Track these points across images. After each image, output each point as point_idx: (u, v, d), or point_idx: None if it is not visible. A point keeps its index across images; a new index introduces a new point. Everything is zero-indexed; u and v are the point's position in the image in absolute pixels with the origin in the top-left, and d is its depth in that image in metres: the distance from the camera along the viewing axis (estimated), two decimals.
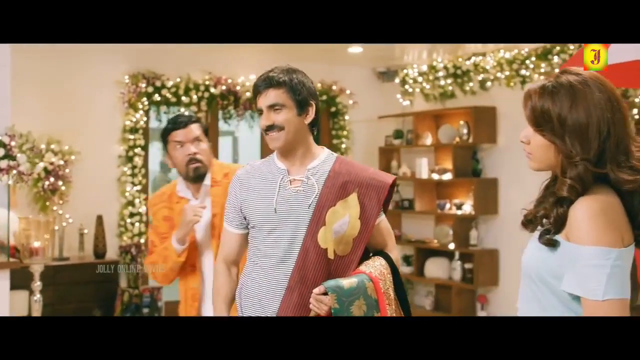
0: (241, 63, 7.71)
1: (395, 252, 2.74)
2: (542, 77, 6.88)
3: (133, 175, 7.06)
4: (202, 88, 7.36)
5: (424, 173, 7.81)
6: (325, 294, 2.45)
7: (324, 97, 8.11)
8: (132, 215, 7.06)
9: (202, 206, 3.20)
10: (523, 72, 7.07)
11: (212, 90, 7.39)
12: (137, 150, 7.08)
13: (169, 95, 7.20)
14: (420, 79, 8.11)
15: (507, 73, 7.20)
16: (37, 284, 5.21)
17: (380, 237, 2.72)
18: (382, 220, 2.71)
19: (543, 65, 6.91)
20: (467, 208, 7.43)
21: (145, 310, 6.70)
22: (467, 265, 7.35)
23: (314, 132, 2.70)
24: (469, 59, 7.58)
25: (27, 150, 6.32)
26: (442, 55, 7.80)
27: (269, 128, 2.59)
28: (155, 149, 7.80)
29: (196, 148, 3.21)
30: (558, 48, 6.78)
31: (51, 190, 6.59)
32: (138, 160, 7.09)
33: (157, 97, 7.18)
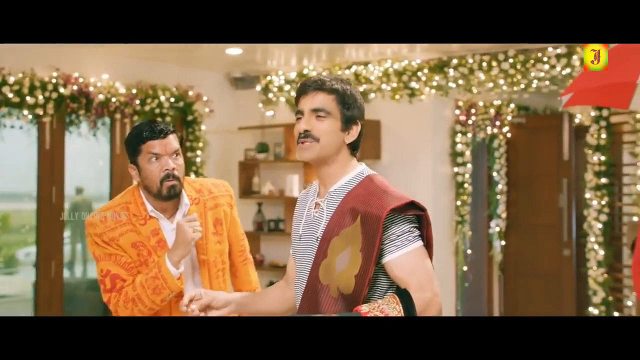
0: (92, 60, 6.49)
1: (425, 294, 2.15)
2: (433, 91, 6.50)
3: None
4: (49, 87, 6.05)
5: (295, 191, 7.09)
6: None
7: (181, 104, 7.09)
8: None
9: (194, 218, 2.81)
10: (413, 84, 6.62)
11: (61, 90, 6.11)
12: None
13: (10, 95, 5.81)
14: (287, 87, 7.37)
15: (395, 85, 6.71)
16: None
17: (399, 274, 2.19)
18: (406, 252, 2.20)
19: (437, 78, 6.50)
20: None
21: None
22: None
23: (355, 154, 2.41)
24: (349, 67, 7.00)
25: None
26: (314, 62, 7.15)
27: (305, 134, 2.31)
28: None
29: (174, 163, 2.82)
30: (456, 61, 6.41)
31: None
32: None
33: None
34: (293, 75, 7.33)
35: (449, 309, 6.88)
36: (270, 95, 7.48)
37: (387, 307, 2.10)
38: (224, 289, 2.92)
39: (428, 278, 2.18)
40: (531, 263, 7.47)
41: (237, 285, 3.13)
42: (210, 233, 2.93)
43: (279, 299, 2.61)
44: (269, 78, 7.49)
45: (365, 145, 6.62)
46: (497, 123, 7.27)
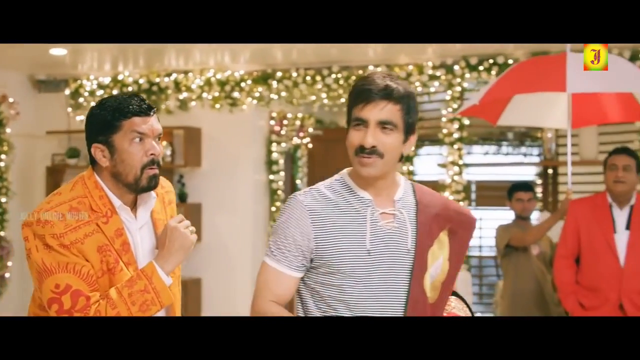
0: None
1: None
2: (255, 101, 6.82)
3: None
4: None
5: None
6: None
7: None
8: None
9: (183, 218, 2.41)
10: (235, 94, 6.88)
11: None
12: None
13: None
14: (100, 92, 7.24)
15: (217, 94, 6.92)
16: None
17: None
18: None
19: (260, 89, 6.83)
20: None
21: None
22: None
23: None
24: (168, 75, 7.07)
25: None
26: (131, 67, 7.12)
27: (371, 150, 2.10)
28: None
29: (159, 148, 2.38)
30: (280, 74, 6.78)
31: None
32: None
33: None
34: (107, 80, 7.23)
35: None
36: (81, 99, 7.30)
37: (466, 309, 2.31)
38: (177, 298, 2.51)
39: None
40: None
41: None
42: None
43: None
44: (79, 82, 7.30)
45: (187, 152, 6.80)
46: (301, 134, 7.75)
